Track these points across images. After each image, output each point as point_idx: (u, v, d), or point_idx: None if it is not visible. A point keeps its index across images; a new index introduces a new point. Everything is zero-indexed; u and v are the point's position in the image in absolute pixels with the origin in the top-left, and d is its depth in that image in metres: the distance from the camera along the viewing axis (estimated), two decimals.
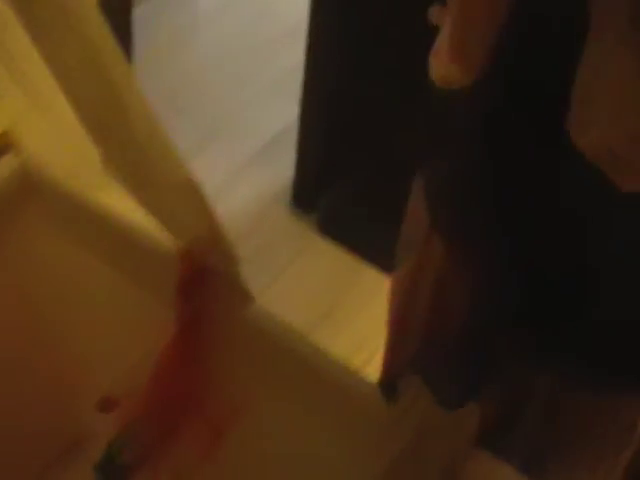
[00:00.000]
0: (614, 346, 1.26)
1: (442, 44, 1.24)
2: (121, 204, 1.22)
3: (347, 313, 2.43)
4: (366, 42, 2.40)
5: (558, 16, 1.13)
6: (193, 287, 1.18)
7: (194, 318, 1.20)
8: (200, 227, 1.18)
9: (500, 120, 1.24)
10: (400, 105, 2.34)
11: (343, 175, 2.59)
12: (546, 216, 1.23)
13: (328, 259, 2.55)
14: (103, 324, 1.39)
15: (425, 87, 1.28)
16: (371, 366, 2.15)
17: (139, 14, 2.99)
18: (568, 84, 1.11)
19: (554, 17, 1.14)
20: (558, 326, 1.27)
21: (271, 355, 1.23)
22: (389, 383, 1.51)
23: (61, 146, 1.34)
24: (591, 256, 1.23)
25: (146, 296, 1.28)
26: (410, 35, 2.27)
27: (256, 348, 1.23)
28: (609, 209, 1.19)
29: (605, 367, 1.28)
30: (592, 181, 1.16)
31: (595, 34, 1.07)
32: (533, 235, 1.25)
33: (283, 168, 2.70)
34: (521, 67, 1.19)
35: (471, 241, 1.31)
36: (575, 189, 1.20)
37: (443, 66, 1.24)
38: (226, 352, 1.22)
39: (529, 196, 1.24)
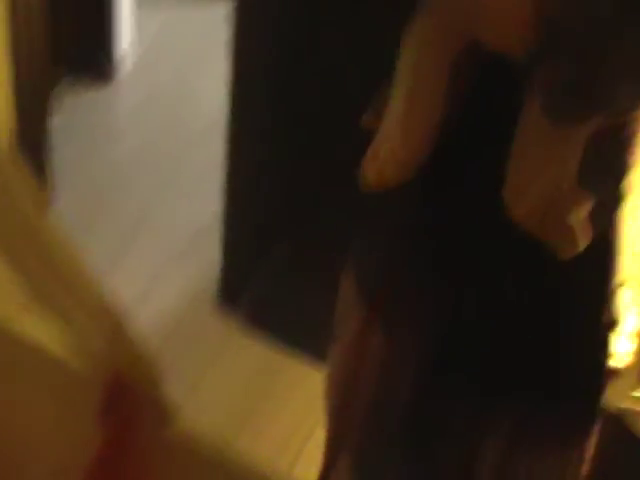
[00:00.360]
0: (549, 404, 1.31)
1: (378, 148, 1.29)
2: (42, 327, 1.23)
3: (274, 408, 2.42)
4: (285, 135, 2.44)
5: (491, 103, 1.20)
6: (114, 407, 1.19)
7: (117, 436, 1.20)
8: (118, 348, 1.19)
9: (434, 206, 1.29)
10: (324, 196, 2.37)
11: (269, 267, 2.59)
12: (482, 290, 1.28)
13: (255, 353, 2.55)
14: (30, 445, 1.38)
15: (351, 179, 1.32)
16: (298, 466, 2.16)
17: (59, 120, 3.01)
18: (501, 166, 1.17)
19: (487, 104, 1.21)
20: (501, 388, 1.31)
21: (196, 470, 1.24)
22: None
23: None
24: (536, 330, 1.27)
25: (71, 417, 1.28)
26: (326, 128, 2.33)
27: (180, 463, 1.24)
28: (542, 279, 1.24)
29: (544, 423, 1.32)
30: (528, 254, 1.21)
31: (525, 114, 1.14)
32: (473, 309, 1.29)
33: (208, 263, 2.70)
34: (457, 154, 1.25)
35: (411, 321, 1.34)
36: (510, 263, 1.25)
37: (380, 168, 1.28)
38: (150, 468, 1.23)
39: (467, 276, 1.28)
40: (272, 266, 2.58)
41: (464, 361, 1.32)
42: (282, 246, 2.54)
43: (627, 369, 1.59)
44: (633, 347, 1.61)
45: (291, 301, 2.52)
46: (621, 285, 1.30)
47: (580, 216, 1.17)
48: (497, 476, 1.34)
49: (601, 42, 1.06)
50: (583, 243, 1.18)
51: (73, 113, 3.19)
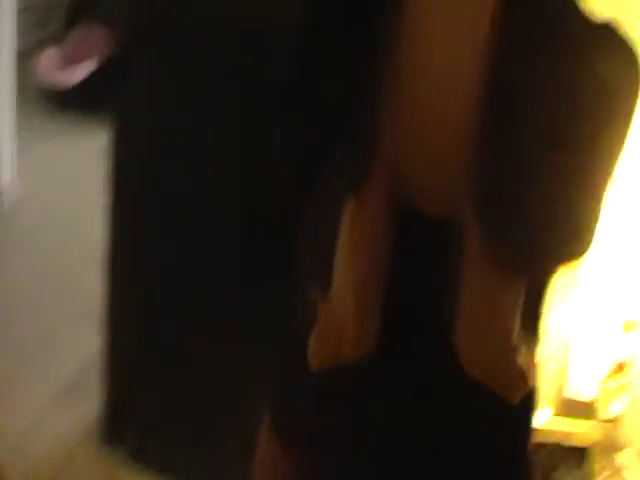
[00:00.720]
0: None
1: (329, 325, 1.29)
2: None
3: None
4: (168, 268, 2.42)
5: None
6: None
7: None
8: None
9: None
10: (205, 337, 2.35)
11: (155, 400, 2.55)
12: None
13: None
14: None
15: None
16: None
17: None
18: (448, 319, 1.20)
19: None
20: None
21: None
22: None
23: None
24: None
25: None
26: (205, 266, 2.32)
27: None
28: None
29: None
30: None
31: (469, 269, 1.18)
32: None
33: (90, 403, 2.63)
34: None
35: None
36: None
37: (335, 346, 1.28)
38: None
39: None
40: (158, 399, 2.54)
41: None
42: (169, 379, 2.51)
43: None
44: None
45: (178, 435, 2.47)
46: None
47: (528, 358, 1.22)
48: None
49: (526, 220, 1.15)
50: (531, 383, 1.24)
51: None
